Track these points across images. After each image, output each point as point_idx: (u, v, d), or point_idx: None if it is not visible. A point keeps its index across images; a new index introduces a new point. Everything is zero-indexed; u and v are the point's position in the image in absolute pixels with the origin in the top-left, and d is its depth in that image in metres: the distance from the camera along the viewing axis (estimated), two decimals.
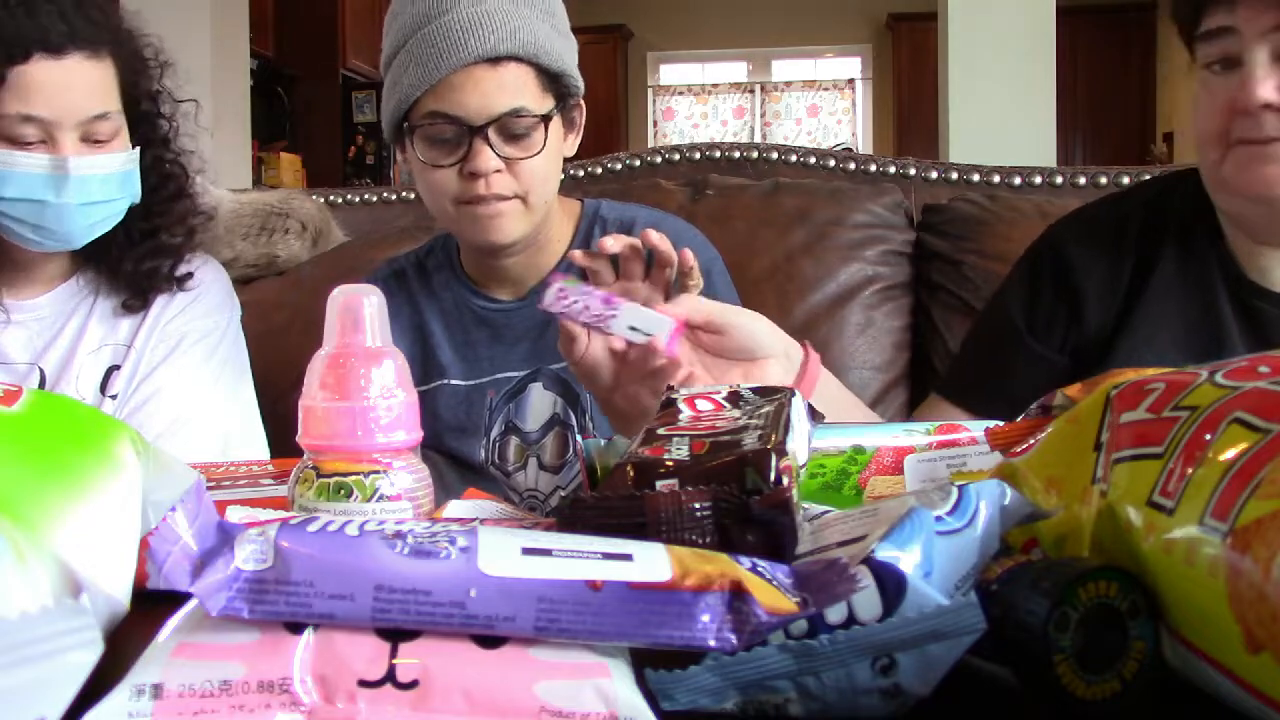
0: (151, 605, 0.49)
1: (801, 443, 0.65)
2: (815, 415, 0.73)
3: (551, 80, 1.20)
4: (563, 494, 1.27)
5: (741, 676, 0.43)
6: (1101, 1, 7.86)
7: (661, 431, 0.64)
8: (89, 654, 0.42)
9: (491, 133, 1.16)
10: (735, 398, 0.73)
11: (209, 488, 0.72)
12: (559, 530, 0.51)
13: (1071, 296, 1.15)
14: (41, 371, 1.26)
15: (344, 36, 6.57)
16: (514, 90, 1.16)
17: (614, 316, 0.93)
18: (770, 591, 0.44)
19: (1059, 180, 1.72)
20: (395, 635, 0.42)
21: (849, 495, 0.71)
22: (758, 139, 9.02)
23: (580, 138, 1.30)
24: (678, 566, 0.44)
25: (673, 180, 1.76)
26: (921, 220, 1.69)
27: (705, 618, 0.42)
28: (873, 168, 1.80)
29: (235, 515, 0.67)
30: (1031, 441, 0.61)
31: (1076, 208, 1.26)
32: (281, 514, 0.65)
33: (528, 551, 0.44)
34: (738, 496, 0.53)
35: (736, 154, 1.85)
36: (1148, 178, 1.37)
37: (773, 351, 0.97)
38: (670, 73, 9.48)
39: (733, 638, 0.42)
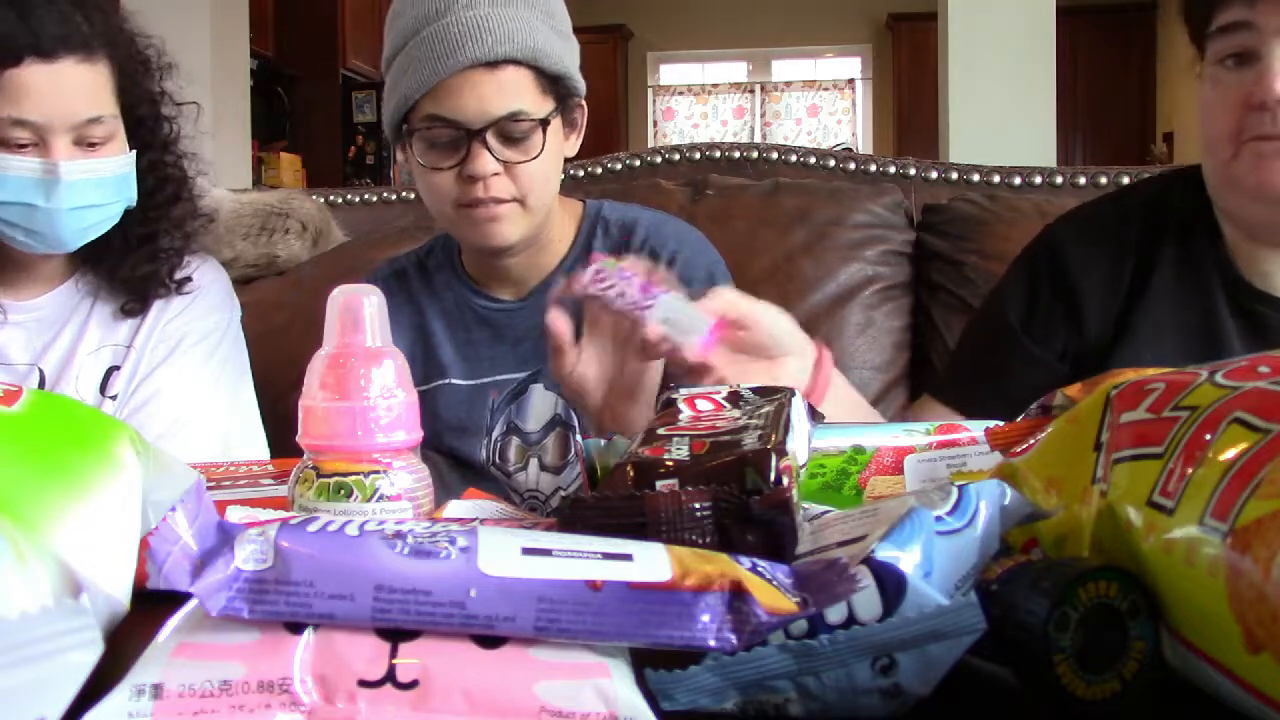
0: (151, 605, 0.49)
1: (801, 443, 0.65)
2: (815, 415, 0.73)
3: (551, 82, 1.20)
4: (564, 494, 1.27)
5: (741, 676, 0.43)
6: (1101, 1, 7.86)
7: (661, 431, 0.64)
8: (89, 654, 0.42)
9: (489, 136, 1.16)
10: (735, 398, 0.73)
11: (209, 488, 0.72)
12: (559, 530, 0.51)
13: (1070, 298, 1.14)
14: (41, 372, 1.26)
15: (344, 36, 6.57)
16: (512, 93, 1.16)
17: (650, 307, 0.88)
18: (770, 591, 0.44)
19: (1059, 180, 1.72)
20: (395, 635, 0.42)
21: (849, 495, 0.71)
22: (758, 139, 9.02)
23: (582, 138, 1.30)
24: (678, 566, 0.44)
25: (673, 180, 1.76)
26: (921, 220, 1.69)
27: (705, 618, 0.42)
28: (873, 168, 1.80)
29: (235, 515, 0.67)
30: (1031, 441, 0.61)
31: (1075, 206, 1.24)
32: (281, 514, 0.65)
33: (528, 551, 0.44)
34: (738, 496, 0.53)
35: (736, 154, 1.85)
36: (1147, 176, 1.37)
37: (792, 348, 0.95)
38: (670, 73, 9.48)
39: (733, 638, 0.42)
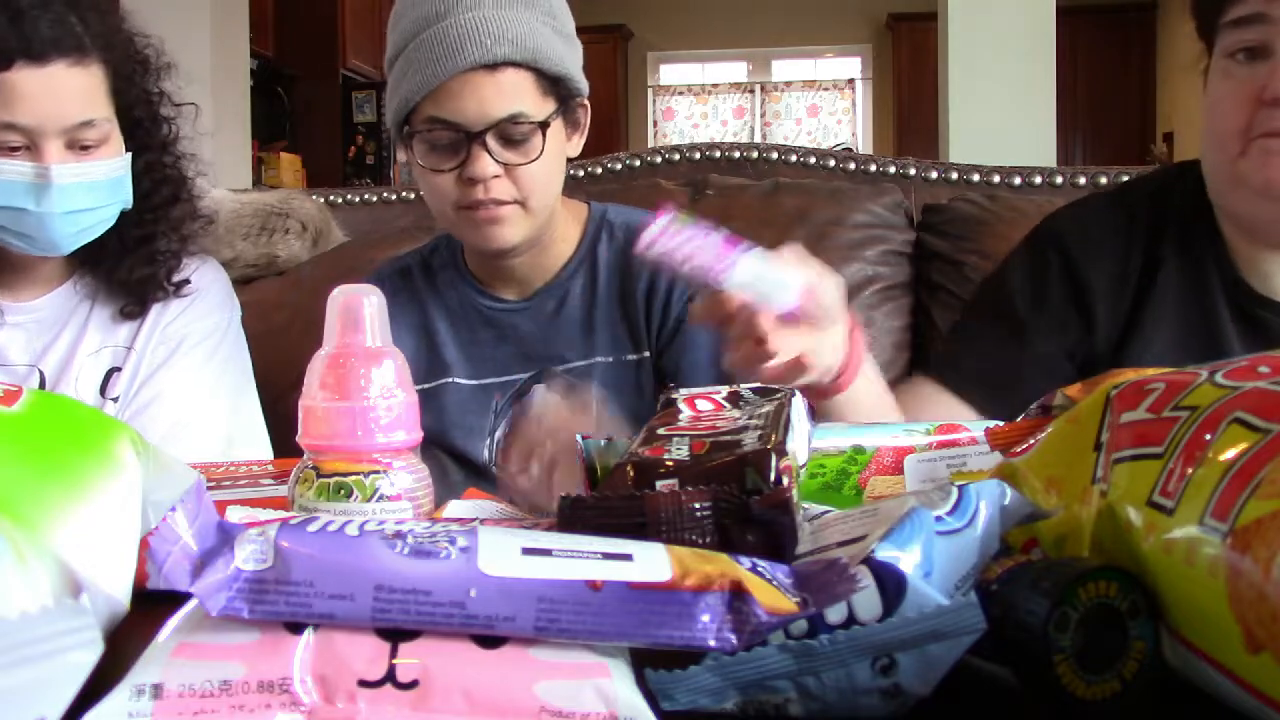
0: (151, 605, 0.49)
1: (801, 443, 0.65)
2: (815, 415, 0.73)
3: (552, 83, 1.19)
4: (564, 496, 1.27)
5: (741, 676, 0.43)
6: (1101, 1, 7.86)
7: (661, 431, 0.64)
8: (89, 654, 0.42)
9: (490, 138, 1.16)
10: (735, 398, 0.73)
11: (209, 488, 0.72)
12: (559, 530, 0.51)
13: (1081, 297, 1.11)
14: (41, 374, 1.26)
15: (344, 36, 6.57)
16: (512, 95, 1.16)
17: (731, 266, 0.77)
18: (770, 591, 0.44)
19: (1059, 180, 1.72)
20: (395, 635, 0.42)
21: (849, 495, 0.71)
22: (758, 139, 9.02)
23: (585, 138, 1.30)
24: (678, 566, 0.44)
25: (673, 180, 1.76)
26: (921, 220, 1.69)
27: (705, 618, 0.42)
28: (873, 168, 1.80)
29: (235, 515, 0.67)
30: (1031, 441, 0.61)
31: (1078, 201, 1.21)
32: (281, 514, 0.65)
33: (528, 551, 0.44)
34: (738, 496, 0.53)
35: (736, 154, 1.85)
36: (1145, 173, 1.35)
37: (839, 315, 0.91)
38: (670, 73, 9.48)
39: (733, 638, 0.42)
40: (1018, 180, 1.73)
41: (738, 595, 0.42)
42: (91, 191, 1.16)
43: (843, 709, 0.44)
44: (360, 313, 0.65)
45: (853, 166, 1.81)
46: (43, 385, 1.25)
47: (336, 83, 6.62)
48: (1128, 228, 1.12)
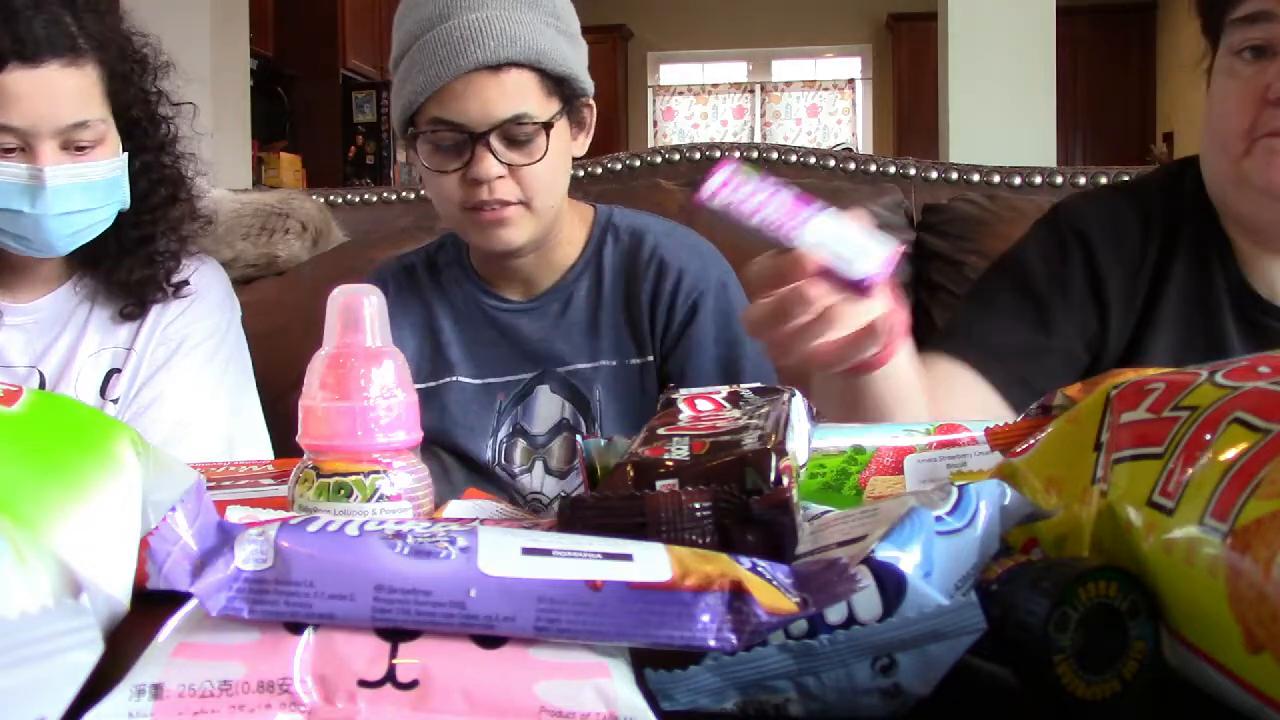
0: (151, 605, 0.49)
1: (801, 443, 0.65)
2: (815, 415, 0.73)
3: (556, 84, 1.19)
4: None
5: (741, 676, 0.43)
6: (1101, 1, 7.86)
7: (661, 431, 0.64)
8: (89, 654, 0.42)
9: (493, 139, 1.16)
10: (735, 398, 0.73)
11: (209, 488, 0.72)
12: (559, 530, 0.51)
13: (1099, 291, 1.07)
14: (41, 375, 1.26)
15: (344, 36, 6.57)
16: (516, 96, 1.16)
17: (805, 223, 0.68)
18: (770, 591, 0.44)
19: (1059, 180, 1.72)
20: (395, 635, 0.42)
21: (849, 495, 0.71)
22: (758, 139, 9.02)
23: (591, 137, 1.30)
24: (678, 566, 0.44)
25: (673, 180, 1.76)
26: (921, 220, 1.69)
27: (705, 618, 0.42)
28: (873, 168, 1.80)
29: (235, 515, 0.67)
30: (1031, 441, 0.61)
31: (1092, 192, 1.17)
32: (281, 514, 0.65)
33: (528, 551, 0.44)
34: (738, 496, 0.53)
35: (736, 154, 1.85)
36: (1150, 171, 1.31)
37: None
38: (670, 73, 9.48)
39: (733, 638, 0.42)
40: (1018, 180, 1.73)
41: (738, 595, 0.42)
42: (87, 192, 1.16)
43: (843, 709, 0.44)
44: (360, 313, 0.65)
45: (853, 166, 1.81)
46: (42, 386, 1.25)
47: (336, 83, 6.61)
48: (1144, 225, 1.09)
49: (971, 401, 1.02)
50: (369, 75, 6.73)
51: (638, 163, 1.89)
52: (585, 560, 0.44)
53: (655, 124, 9.36)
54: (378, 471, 0.64)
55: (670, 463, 0.57)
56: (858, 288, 0.70)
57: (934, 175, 1.78)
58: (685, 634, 0.42)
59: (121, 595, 0.54)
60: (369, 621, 0.42)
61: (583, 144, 1.28)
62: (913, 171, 1.79)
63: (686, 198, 1.68)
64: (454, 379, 1.31)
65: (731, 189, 0.68)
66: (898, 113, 8.57)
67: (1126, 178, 1.61)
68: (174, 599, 0.45)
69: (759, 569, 0.45)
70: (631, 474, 0.57)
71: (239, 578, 0.42)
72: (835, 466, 0.72)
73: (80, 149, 1.15)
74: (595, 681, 0.41)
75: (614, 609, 0.42)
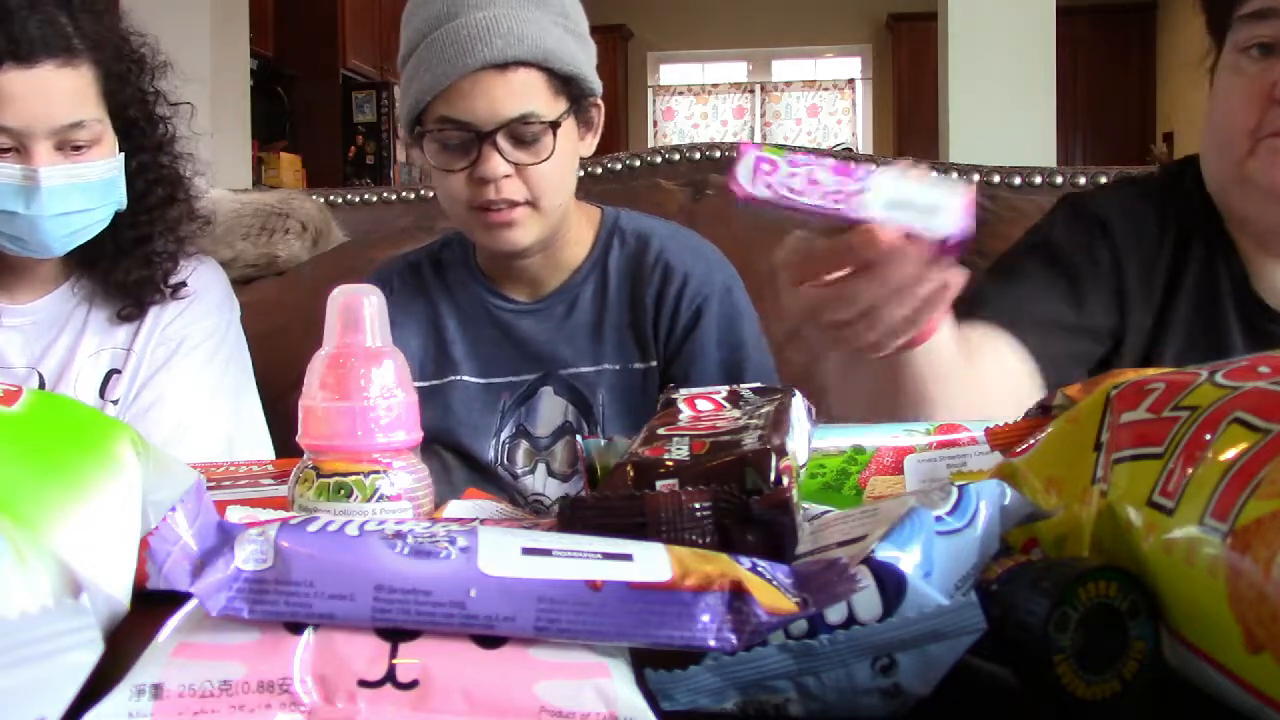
0: (151, 605, 0.49)
1: (801, 443, 0.65)
2: (815, 415, 0.73)
3: (563, 83, 1.19)
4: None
5: (741, 676, 0.43)
6: (1101, 1, 7.86)
7: (662, 431, 0.64)
8: (89, 654, 0.42)
9: (500, 138, 1.16)
10: (735, 397, 0.73)
11: (209, 488, 0.72)
12: (559, 530, 0.51)
13: (1121, 286, 1.05)
14: (40, 376, 1.26)
15: (344, 36, 6.57)
16: (523, 95, 1.16)
17: (863, 190, 0.60)
18: (770, 591, 0.44)
19: (1059, 180, 1.72)
20: (395, 635, 0.42)
21: (849, 495, 0.71)
22: (758, 139, 9.02)
23: (599, 137, 1.30)
24: (678, 566, 0.44)
25: (673, 180, 1.76)
26: None
27: (705, 618, 0.42)
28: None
29: (235, 515, 0.67)
30: (1031, 441, 0.61)
31: (1110, 187, 1.14)
32: (281, 514, 0.65)
33: (528, 551, 0.44)
34: (738, 496, 0.53)
35: (737, 154, 1.85)
36: (1156, 171, 1.29)
37: None
38: (670, 73, 9.48)
39: (733, 638, 0.42)
40: (1018, 180, 1.73)
41: (738, 595, 0.42)
42: (83, 193, 1.16)
43: (843, 709, 0.44)
44: (360, 313, 0.65)
45: None
46: (42, 387, 1.25)
47: (336, 83, 6.61)
48: (1160, 224, 1.07)
49: (1014, 367, 0.97)
50: (369, 75, 6.73)
51: (638, 163, 1.88)
52: (585, 560, 0.44)
53: (655, 124, 9.36)
54: (378, 471, 0.64)
55: (670, 463, 0.57)
56: (944, 248, 0.62)
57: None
58: (685, 634, 0.42)
59: (121, 595, 0.54)
60: (369, 621, 0.42)
61: (590, 144, 1.28)
62: None
63: (687, 198, 1.68)
64: (458, 378, 1.31)
65: (767, 174, 0.62)
66: (898, 113, 8.57)
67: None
68: (174, 599, 0.45)
69: (759, 569, 0.45)
70: (631, 474, 0.57)
71: (239, 578, 0.42)
72: (835, 466, 0.72)
73: (76, 149, 1.15)
74: (595, 681, 0.41)
75: (614, 609, 0.42)
